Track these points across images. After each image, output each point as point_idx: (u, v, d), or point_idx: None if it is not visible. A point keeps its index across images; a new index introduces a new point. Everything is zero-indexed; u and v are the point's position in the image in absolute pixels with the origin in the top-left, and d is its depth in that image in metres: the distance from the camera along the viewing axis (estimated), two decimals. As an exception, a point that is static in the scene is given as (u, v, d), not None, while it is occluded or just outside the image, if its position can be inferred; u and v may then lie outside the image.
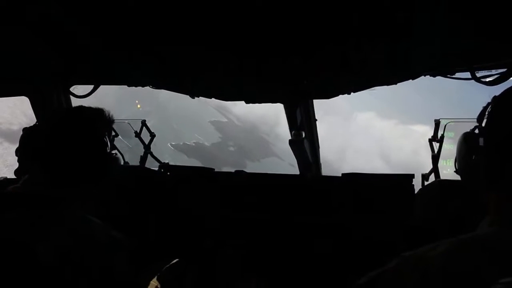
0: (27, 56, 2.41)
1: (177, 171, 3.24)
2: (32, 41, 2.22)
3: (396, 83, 2.26)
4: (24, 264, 1.14)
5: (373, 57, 1.94)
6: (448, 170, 2.67)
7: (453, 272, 0.77)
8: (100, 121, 1.49)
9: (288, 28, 1.73)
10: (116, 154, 1.54)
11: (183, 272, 2.29)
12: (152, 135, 3.47)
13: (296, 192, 2.88)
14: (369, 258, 2.16)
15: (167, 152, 37.22)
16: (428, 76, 2.23)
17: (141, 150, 3.48)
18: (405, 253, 0.91)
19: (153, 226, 2.95)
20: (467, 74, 2.11)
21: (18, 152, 1.50)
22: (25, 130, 1.50)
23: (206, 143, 45.48)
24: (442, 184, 2.50)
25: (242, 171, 3.12)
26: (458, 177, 1.88)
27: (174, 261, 2.16)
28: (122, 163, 3.33)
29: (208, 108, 49.48)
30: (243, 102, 2.53)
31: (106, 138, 1.46)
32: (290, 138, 2.63)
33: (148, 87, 2.75)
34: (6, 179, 3.15)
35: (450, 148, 2.65)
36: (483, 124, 0.94)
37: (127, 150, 3.58)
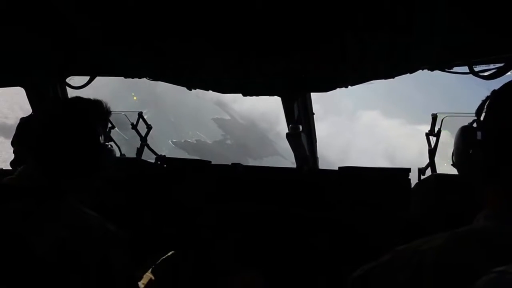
0: (24, 46, 2.39)
1: (174, 163, 3.23)
2: (28, 32, 2.20)
3: (393, 77, 2.26)
4: (19, 255, 1.14)
5: (371, 50, 1.94)
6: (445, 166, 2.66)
7: (446, 264, 0.77)
8: (94, 112, 1.48)
9: (287, 21, 1.72)
10: (111, 145, 1.53)
11: (178, 264, 2.29)
12: (149, 127, 3.44)
13: (293, 186, 2.88)
14: (364, 252, 2.17)
15: (168, 149, 36.94)
16: (426, 70, 2.23)
17: (137, 142, 3.46)
18: (398, 247, 0.91)
19: (149, 218, 2.95)
20: (465, 68, 2.11)
21: (13, 143, 1.50)
22: (21, 120, 1.50)
23: (208, 141, 45.04)
24: (438, 178, 2.51)
25: (239, 163, 3.11)
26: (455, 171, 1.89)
27: (169, 253, 2.16)
28: (118, 155, 3.32)
29: (212, 105, 49.02)
30: (245, 99, 2.53)
31: (100, 129, 1.45)
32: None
33: (145, 78, 2.73)
34: (1, 170, 3.14)
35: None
36: (482, 118, 0.94)
37: (124, 142, 3.57)
